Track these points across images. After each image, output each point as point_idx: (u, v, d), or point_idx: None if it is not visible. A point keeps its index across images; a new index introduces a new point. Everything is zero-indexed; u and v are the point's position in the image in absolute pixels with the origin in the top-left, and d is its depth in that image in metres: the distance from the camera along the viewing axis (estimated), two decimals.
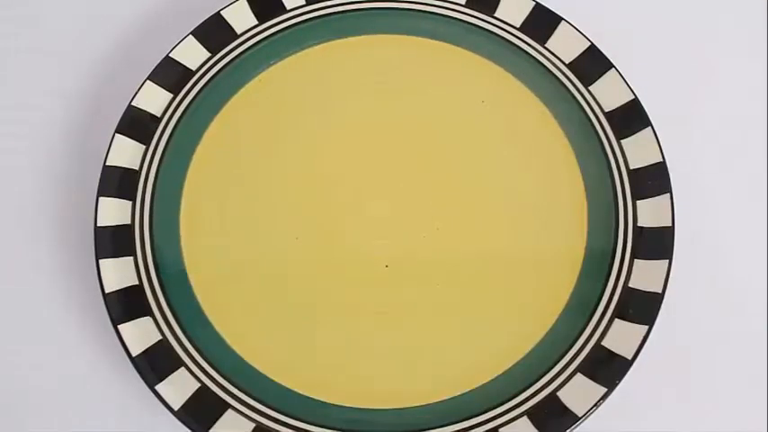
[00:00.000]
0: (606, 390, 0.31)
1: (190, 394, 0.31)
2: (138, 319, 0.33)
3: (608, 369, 0.32)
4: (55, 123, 0.39)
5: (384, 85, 0.38)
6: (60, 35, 0.42)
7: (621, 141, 0.36)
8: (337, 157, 0.37)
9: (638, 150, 0.36)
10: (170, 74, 0.38)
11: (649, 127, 0.36)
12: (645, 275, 0.33)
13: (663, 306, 0.32)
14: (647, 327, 0.32)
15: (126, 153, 0.36)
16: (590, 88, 0.38)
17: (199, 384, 0.32)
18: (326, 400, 0.32)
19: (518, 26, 0.39)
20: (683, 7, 0.42)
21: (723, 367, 0.34)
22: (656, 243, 0.34)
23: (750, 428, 0.33)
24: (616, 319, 0.33)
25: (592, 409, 0.31)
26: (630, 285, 0.33)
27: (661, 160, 0.35)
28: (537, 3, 0.39)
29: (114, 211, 0.35)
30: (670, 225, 0.34)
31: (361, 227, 0.35)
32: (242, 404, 0.32)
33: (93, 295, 0.35)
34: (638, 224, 0.35)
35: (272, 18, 0.40)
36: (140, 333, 0.32)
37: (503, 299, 0.34)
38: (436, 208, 0.35)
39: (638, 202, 0.35)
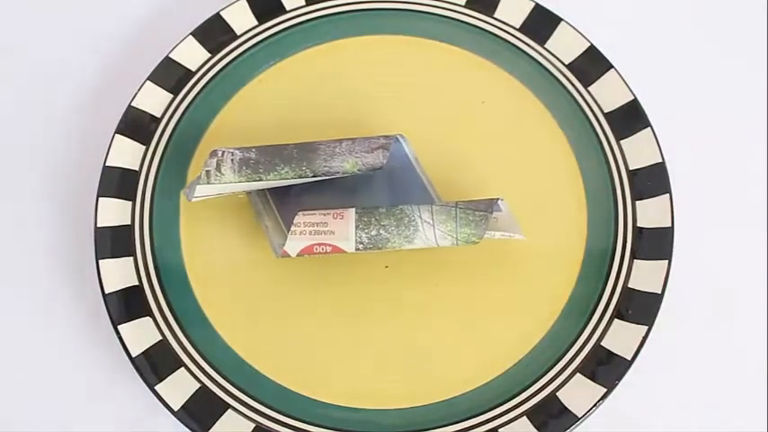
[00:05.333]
0: (606, 390, 0.31)
1: (190, 394, 0.31)
2: (138, 320, 0.33)
3: (607, 369, 0.32)
4: (55, 124, 0.39)
5: (384, 86, 0.38)
6: (60, 35, 0.42)
7: (621, 142, 0.37)
8: None
9: (638, 151, 0.36)
10: (170, 74, 0.38)
11: (649, 127, 0.36)
12: (644, 276, 0.33)
13: (663, 306, 0.32)
14: (646, 327, 0.32)
15: (126, 153, 0.36)
16: (590, 89, 0.38)
17: (199, 385, 0.32)
18: (326, 401, 0.32)
19: (518, 26, 0.39)
20: (683, 7, 0.42)
21: (723, 367, 0.34)
22: (656, 243, 0.34)
23: (750, 428, 0.33)
24: (615, 320, 0.33)
25: (592, 409, 0.31)
26: (630, 286, 0.33)
27: (661, 160, 0.35)
28: (537, 3, 0.39)
29: (114, 212, 0.35)
30: (670, 225, 0.34)
31: None
32: (242, 404, 0.32)
33: (93, 295, 0.35)
34: (638, 224, 0.35)
35: (272, 18, 0.40)
36: (140, 333, 0.33)
37: (503, 299, 0.34)
38: None
39: (638, 203, 0.35)
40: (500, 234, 0.33)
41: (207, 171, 0.32)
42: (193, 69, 0.38)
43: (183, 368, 0.32)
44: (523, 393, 0.32)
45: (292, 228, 0.31)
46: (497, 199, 0.32)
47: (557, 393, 0.32)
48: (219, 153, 0.32)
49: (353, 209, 0.32)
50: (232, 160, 0.32)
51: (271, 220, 0.34)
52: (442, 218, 0.31)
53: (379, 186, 0.35)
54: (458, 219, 0.31)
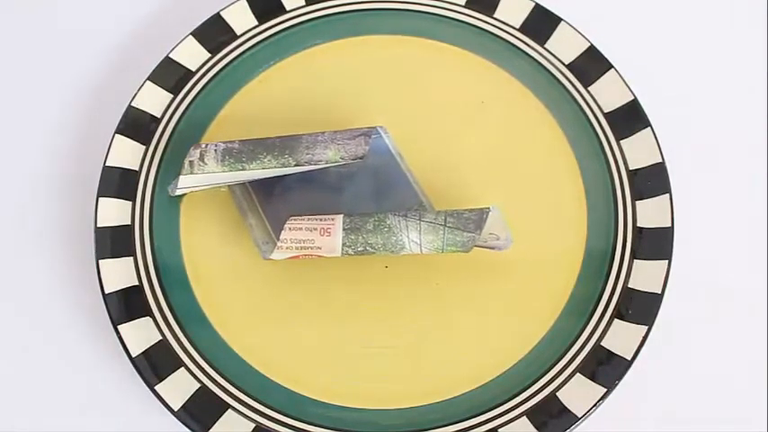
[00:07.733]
0: (606, 390, 0.31)
1: (189, 394, 0.31)
2: (138, 320, 0.33)
3: (607, 369, 0.32)
4: (55, 124, 0.39)
5: (384, 86, 0.38)
6: (60, 35, 0.42)
7: (621, 142, 0.37)
8: None
9: (638, 151, 0.36)
10: (170, 74, 0.38)
11: (649, 127, 0.36)
12: (644, 276, 0.33)
13: (662, 306, 0.32)
14: (646, 327, 0.32)
15: (126, 153, 0.36)
16: (590, 89, 0.38)
17: (198, 384, 0.32)
18: (326, 401, 0.32)
19: (518, 27, 0.39)
20: (682, 7, 0.42)
21: (723, 367, 0.34)
22: (656, 243, 0.34)
23: (750, 428, 0.33)
24: (615, 320, 0.33)
25: (592, 409, 0.31)
26: (630, 286, 0.33)
27: (661, 160, 0.35)
28: (536, 3, 0.39)
29: (114, 212, 0.35)
30: (670, 225, 0.34)
31: None
32: (242, 404, 0.32)
33: (93, 295, 0.35)
34: (638, 224, 0.35)
35: (272, 18, 0.40)
36: (140, 333, 0.33)
37: (503, 299, 0.34)
38: (436, 207, 0.35)
39: (638, 203, 0.35)
40: (484, 240, 0.33)
41: (190, 161, 0.32)
42: (193, 69, 0.38)
43: (183, 368, 0.32)
44: (523, 393, 0.32)
45: (279, 243, 0.32)
46: (488, 210, 0.32)
47: (557, 393, 0.32)
48: (203, 146, 0.33)
49: (341, 221, 0.32)
50: (215, 150, 0.33)
51: (255, 217, 0.34)
52: (429, 238, 0.32)
53: (364, 184, 0.35)
54: (445, 239, 0.32)
